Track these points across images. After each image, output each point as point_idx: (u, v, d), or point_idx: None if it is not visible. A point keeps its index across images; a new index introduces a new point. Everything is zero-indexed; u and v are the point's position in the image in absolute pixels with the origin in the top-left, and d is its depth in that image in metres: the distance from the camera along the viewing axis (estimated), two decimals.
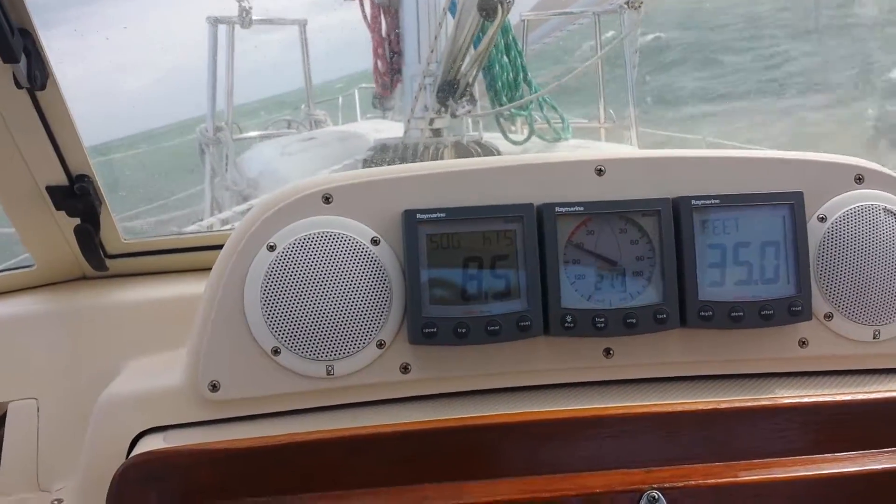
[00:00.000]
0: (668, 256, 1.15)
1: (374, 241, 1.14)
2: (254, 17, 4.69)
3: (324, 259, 1.12)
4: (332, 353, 1.12)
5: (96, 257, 1.31)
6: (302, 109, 8.37)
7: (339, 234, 1.13)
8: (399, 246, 1.14)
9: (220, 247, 1.38)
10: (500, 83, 4.42)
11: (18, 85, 0.98)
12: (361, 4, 4.78)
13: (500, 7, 3.29)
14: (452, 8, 3.84)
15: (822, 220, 1.19)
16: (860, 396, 1.15)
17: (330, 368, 1.12)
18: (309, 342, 1.11)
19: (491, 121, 5.09)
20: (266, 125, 6.24)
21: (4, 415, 1.30)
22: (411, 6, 4.40)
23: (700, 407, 1.11)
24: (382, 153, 4.25)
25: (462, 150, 4.23)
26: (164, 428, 1.12)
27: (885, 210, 1.20)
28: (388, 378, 1.14)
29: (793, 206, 1.17)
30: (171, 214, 5.75)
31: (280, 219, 1.14)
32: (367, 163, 4.27)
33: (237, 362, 1.11)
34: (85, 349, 1.31)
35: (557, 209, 1.15)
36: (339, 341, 1.12)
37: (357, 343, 1.12)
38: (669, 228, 1.15)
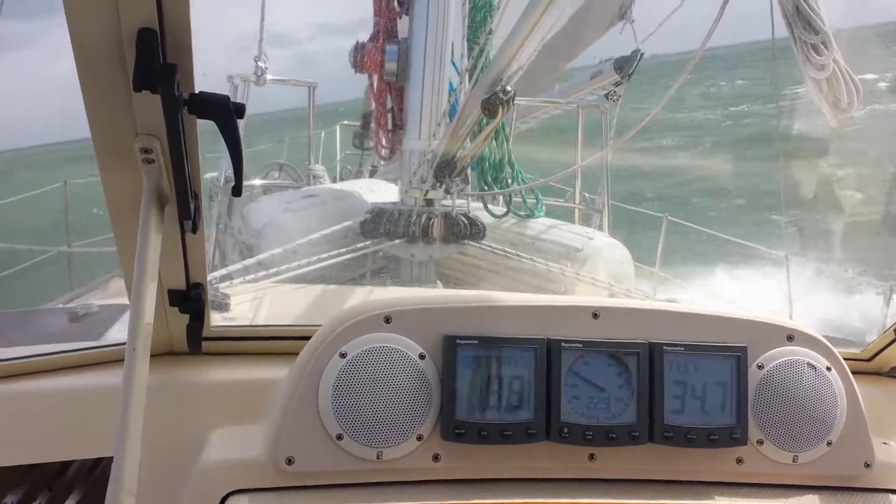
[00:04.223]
0: (643, 388, 1.51)
1: (421, 356, 1.48)
2: (268, 77, 5.05)
3: (382, 367, 1.45)
4: (382, 442, 1.44)
5: (197, 345, 1.62)
6: (285, 147, 8.85)
7: (395, 348, 1.47)
8: (440, 362, 1.47)
9: (287, 338, 1.71)
10: (487, 164, 4.88)
11: (182, 229, 1.32)
12: (370, 77, 5.18)
13: (500, 107, 3.70)
14: (455, 104, 4.28)
15: (760, 367, 1.57)
16: None
17: (380, 454, 1.45)
18: (366, 432, 1.43)
19: (474, 189, 5.54)
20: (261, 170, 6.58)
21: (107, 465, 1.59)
22: (417, 88, 4.81)
23: None
24: (378, 216, 4.62)
25: (450, 220, 4.62)
26: (247, 491, 1.43)
27: (808, 364, 1.58)
28: (423, 465, 1.47)
29: (738, 357, 1.54)
30: None
31: (351, 332, 1.47)
32: (364, 224, 4.62)
33: (309, 443, 1.43)
34: (176, 415, 1.60)
35: (563, 344, 1.50)
36: (388, 433, 1.44)
37: (402, 435, 1.45)
38: (646, 366, 1.51)
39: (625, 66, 5.80)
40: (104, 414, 1.60)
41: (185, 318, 1.56)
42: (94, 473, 1.69)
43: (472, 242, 4.64)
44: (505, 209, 5.35)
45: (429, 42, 4.83)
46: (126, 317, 2.83)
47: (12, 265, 6.62)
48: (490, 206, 5.40)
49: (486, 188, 5.06)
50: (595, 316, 1.55)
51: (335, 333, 1.47)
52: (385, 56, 4.96)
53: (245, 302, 3.22)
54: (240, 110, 1.13)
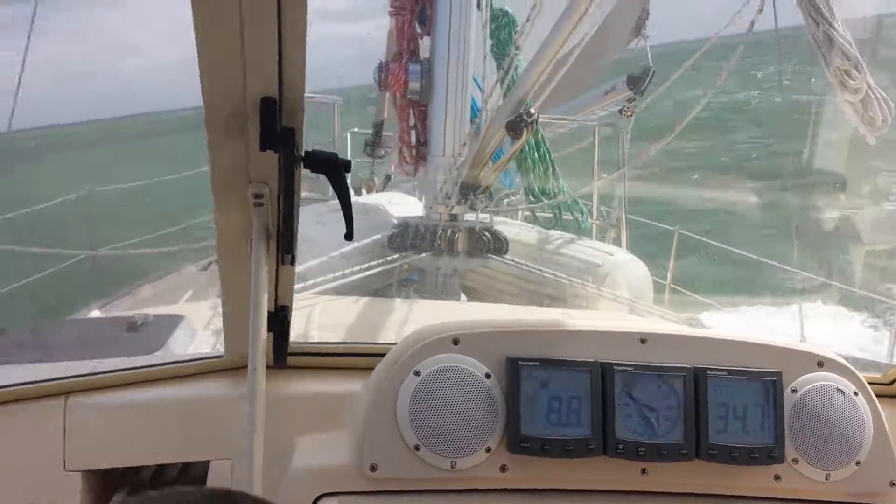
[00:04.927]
0: (689, 409, 1.65)
1: (487, 376, 1.63)
2: None
3: (453, 385, 1.60)
4: (456, 453, 1.60)
5: (283, 360, 1.78)
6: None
7: (464, 368, 1.62)
8: (504, 381, 1.63)
9: (360, 354, 1.86)
10: (532, 175, 5.05)
11: (277, 259, 1.48)
12: (394, 96, 5.34)
13: (525, 129, 3.86)
14: (480, 125, 4.44)
15: (794, 391, 1.71)
16: None
17: (453, 463, 1.60)
18: (440, 443, 1.59)
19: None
20: None
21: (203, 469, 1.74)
22: (440, 107, 4.98)
23: None
24: (405, 230, 4.79)
25: (474, 235, 4.78)
26: (337, 494, 1.58)
27: (837, 389, 1.72)
28: (491, 474, 1.62)
29: (774, 381, 1.69)
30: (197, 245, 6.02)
31: (423, 352, 1.62)
32: (392, 239, 4.79)
33: (390, 452, 1.58)
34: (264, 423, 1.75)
35: (616, 367, 1.65)
36: (460, 444, 1.60)
37: (472, 447, 1.60)
38: (691, 389, 1.66)
39: (638, 82, 5.97)
40: (195, 422, 1.76)
41: (270, 335, 1.71)
42: (185, 476, 1.84)
43: (495, 256, 4.80)
44: (554, 224, 5.53)
45: (451, 61, 4.99)
46: (181, 328, 3.00)
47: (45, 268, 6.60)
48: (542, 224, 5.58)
49: (533, 200, 5.23)
50: (643, 341, 1.70)
51: (409, 353, 1.62)
52: (409, 75, 5.13)
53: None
54: (347, 165, 1.29)
